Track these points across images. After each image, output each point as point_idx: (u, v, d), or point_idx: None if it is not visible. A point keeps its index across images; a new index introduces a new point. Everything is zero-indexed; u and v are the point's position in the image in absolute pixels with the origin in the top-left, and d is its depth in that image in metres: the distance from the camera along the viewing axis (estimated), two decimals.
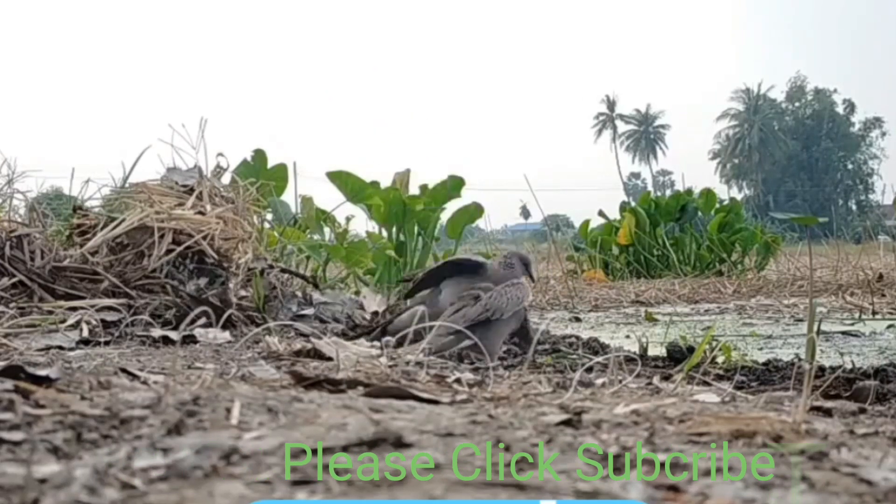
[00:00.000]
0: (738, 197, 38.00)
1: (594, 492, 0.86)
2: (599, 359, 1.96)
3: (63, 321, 2.61)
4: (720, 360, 2.19)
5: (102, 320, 2.67)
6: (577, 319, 4.27)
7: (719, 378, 1.93)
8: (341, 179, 5.12)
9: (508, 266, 2.43)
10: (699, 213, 8.97)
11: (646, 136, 79.87)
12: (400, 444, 1.01)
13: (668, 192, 27.11)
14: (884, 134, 72.63)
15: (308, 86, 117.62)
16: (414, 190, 5.59)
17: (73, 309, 2.75)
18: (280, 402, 1.24)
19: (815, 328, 2.14)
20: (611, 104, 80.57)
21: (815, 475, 0.92)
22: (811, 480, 0.91)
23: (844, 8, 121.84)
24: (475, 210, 5.75)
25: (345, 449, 0.99)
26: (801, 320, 3.92)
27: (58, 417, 1.08)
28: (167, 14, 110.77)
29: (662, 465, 0.95)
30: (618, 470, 0.94)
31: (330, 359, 2.02)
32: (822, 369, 2.03)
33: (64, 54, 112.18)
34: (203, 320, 2.65)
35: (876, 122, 72.76)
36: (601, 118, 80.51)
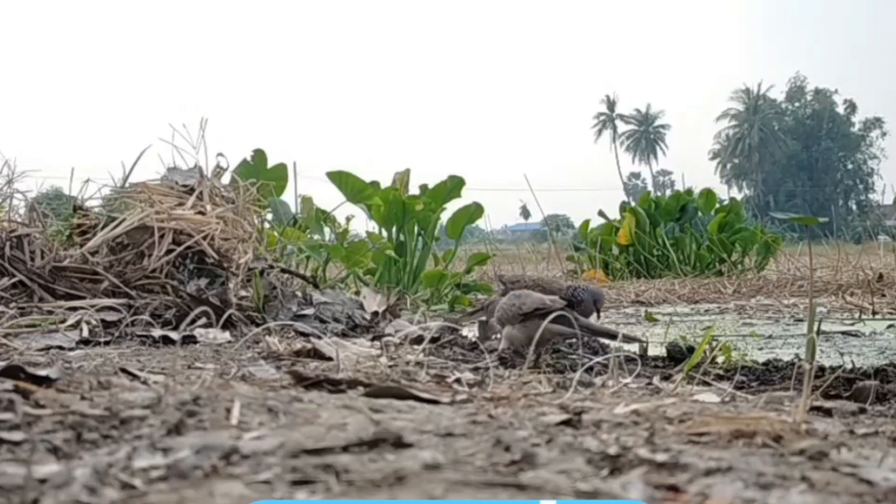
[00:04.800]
0: (738, 197, 38.00)
1: (594, 492, 0.86)
2: (599, 359, 1.96)
3: (63, 321, 2.60)
4: (720, 360, 2.19)
5: (102, 320, 2.66)
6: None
7: (719, 378, 1.93)
8: (341, 179, 5.11)
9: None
10: (699, 213, 8.96)
11: (646, 136, 79.88)
12: (400, 444, 1.01)
13: (668, 192, 27.12)
14: (884, 134, 72.76)
15: (308, 86, 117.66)
16: (414, 190, 5.58)
17: (73, 309, 2.75)
18: (280, 402, 1.24)
19: (815, 328, 2.14)
20: (611, 104, 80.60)
21: (815, 475, 0.92)
22: (811, 480, 0.91)
23: (845, 8, 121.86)
24: (475, 210, 5.74)
25: (345, 449, 0.99)
26: (801, 320, 3.91)
27: (58, 417, 1.08)
28: (167, 14, 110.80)
29: (663, 464, 0.95)
30: (618, 470, 0.94)
31: (330, 359, 2.02)
32: (822, 369, 2.02)
33: (64, 54, 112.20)
34: (203, 320, 2.64)
35: (876, 122, 72.82)
36: (601, 118, 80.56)
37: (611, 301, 5.31)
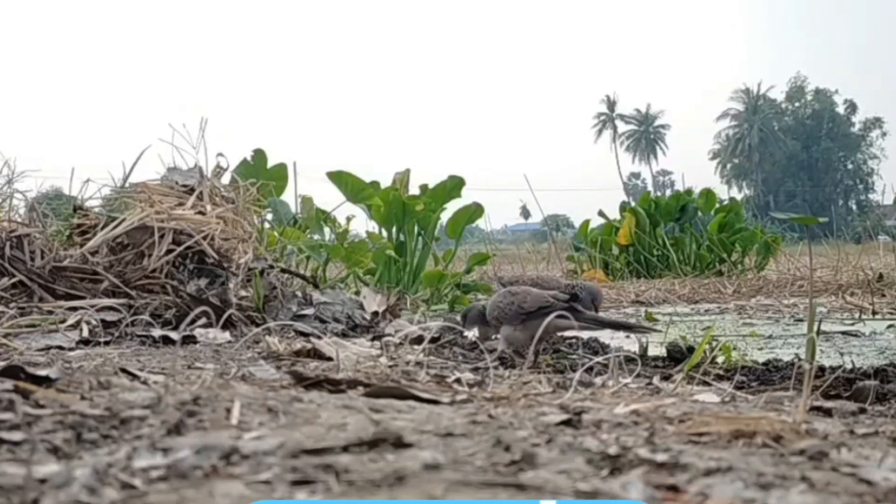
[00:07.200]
0: (738, 197, 37.94)
1: (594, 492, 0.86)
2: (599, 359, 1.96)
3: (63, 321, 2.60)
4: (720, 360, 2.19)
5: (102, 320, 2.66)
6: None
7: (719, 378, 1.92)
8: (341, 179, 5.12)
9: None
10: (699, 213, 8.97)
11: (646, 136, 79.93)
12: (400, 444, 1.01)
13: (668, 192, 27.13)
14: (884, 134, 72.77)
15: (308, 86, 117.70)
16: (414, 190, 5.59)
17: (73, 309, 2.75)
18: (280, 402, 1.24)
19: (815, 328, 2.14)
20: (611, 104, 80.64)
21: (815, 475, 0.92)
22: (811, 480, 0.91)
23: (845, 8, 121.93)
24: (475, 210, 5.74)
25: (345, 449, 0.99)
26: (801, 320, 3.91)
27: (58, 417, 1.08)
28: (167, 14, 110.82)
29: (663, 464, 0.95)
30: (618, 470, 0.94)
31: (330, 359, 2.02)
32: (822, 369, 2.02)
33: (63, 54, 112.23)
34: (203, 320, 2.64)
35: (876, 122, 72.83)
36: (601, 118, 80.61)
37: (611, 301, 5.31)
